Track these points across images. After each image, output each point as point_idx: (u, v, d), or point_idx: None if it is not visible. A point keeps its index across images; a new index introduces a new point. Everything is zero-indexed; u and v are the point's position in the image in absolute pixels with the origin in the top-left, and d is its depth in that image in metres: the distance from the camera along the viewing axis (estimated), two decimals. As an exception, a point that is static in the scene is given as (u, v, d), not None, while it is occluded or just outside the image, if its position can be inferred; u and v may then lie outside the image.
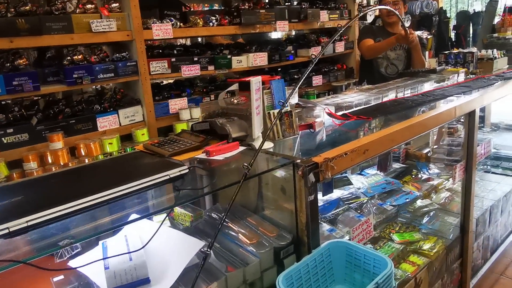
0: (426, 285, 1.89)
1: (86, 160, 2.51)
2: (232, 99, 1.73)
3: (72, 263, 1.24)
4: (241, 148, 1.45)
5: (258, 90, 1.52)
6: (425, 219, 2.22)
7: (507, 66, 3.26)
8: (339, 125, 1.80)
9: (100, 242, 1.32)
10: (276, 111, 1.61)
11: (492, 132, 3.56)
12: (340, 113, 1.95)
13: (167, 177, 1.09)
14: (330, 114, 1.91)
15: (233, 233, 1.36)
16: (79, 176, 1.21)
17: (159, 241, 1.22)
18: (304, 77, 1.53)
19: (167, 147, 1.42)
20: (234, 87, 1.78)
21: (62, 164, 2.44)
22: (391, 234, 2.12)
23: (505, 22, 3.85)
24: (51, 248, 0.92)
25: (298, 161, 1.26)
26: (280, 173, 1.35)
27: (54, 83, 2.63)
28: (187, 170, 1.14)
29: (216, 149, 1.37)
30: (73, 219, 0.98)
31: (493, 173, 3.09)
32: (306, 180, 1.23)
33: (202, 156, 1.38)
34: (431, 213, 2.26)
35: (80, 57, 2.64)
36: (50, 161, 2.45)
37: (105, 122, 2.81)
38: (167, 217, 1.52)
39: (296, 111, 1.78)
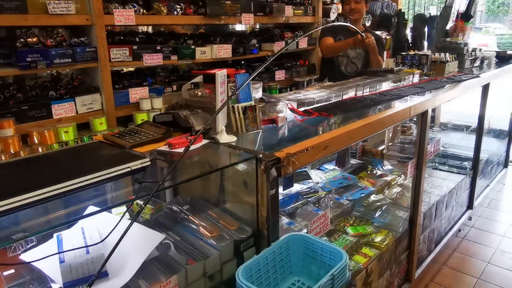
0: (376, 275, 1.99)
1: (40, 149, 2.41)
2: (196, 91, 1.72)
3: (25, 257, 1.20)
4: (204, 141, 1.45)
5: (223, 83, 1.52)
6: (378, 213, 2.32)
7: (458, 69, 3.44)
8: (301, 121, 1.84)
9: (55, 235, 1.28)
10: (240, 105, 1.62)
11: (441, 132, 3.76)
12: (302, 109, 1.99)
13: (128, 169, 1.08)
14: (292, 110, 1.95)
15: (194, 226, 1.37)
16: (35, 166, 1.16)
17: (118, 234, 1.20)
18: (259, 71, 1.52)
19: (128, 138, 1.39)
20: (199, 79, 1.77)
21: (12, 152, 2.32)
22: (346, 227, 2.20)
23: (457, 28, 4.04)
24: (2, 242, 0.89)
25: (261, 155, 1.28)
26: (242, 167, 1.36)
27: (5, 66, 2.48)
28: (149, 163, 1.13)
29: (179, 141, 1.36)
30: (28, 211, 0.94)
31: (440, 170, 3.27)
32: (268, 175, 1.25)
33: (164, 148, 1.37)
34: (383, 208, 2.36)
35: (34, 39, 2.51)
36: (-1, 148, 2.33)
37: (60, 110, 2.70)
38: (127, 210, 1.49)
39: (260, 105, 1.80)
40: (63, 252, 1.09)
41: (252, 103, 1.64)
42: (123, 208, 1.45)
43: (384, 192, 2.48)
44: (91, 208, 1.08)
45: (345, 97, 2.27)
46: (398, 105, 2.03)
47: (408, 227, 2.31)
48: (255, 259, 1.20)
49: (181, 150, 1.36)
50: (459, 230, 3.16)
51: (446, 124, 3.91)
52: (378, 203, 2.39)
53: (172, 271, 1.16)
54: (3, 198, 0.88)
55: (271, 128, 1.74)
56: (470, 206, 3.30)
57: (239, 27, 4.79)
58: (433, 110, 3.70)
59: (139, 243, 1.19)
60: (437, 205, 2.64)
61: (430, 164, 3.34)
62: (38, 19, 2.45)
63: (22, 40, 2.45)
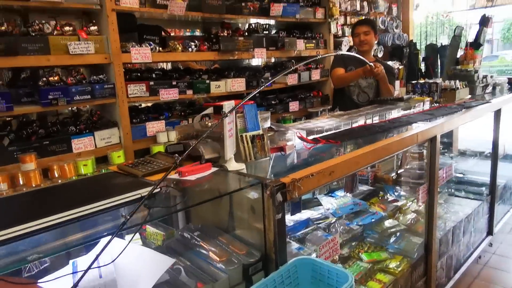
0: (391, 302, 1.96)
1: (60, 182, 2.50)
2: (207, 122, 1.80)
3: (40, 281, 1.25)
4: (214, 169, 1.51)
5: (231, 113, 1.59)
6: (392, 239, 2.30)
7: (469, 96, 3.46)
8: (309, 148, 1.89)
9: (71, 261, 1.33)
10: (248, 133, 1.68)
11: (458, 158, 3.73)
12: (311, 137, 2.04)
13: (139, 195, 1.14)
14: (301, 138, 2.00)
15: (204, 251, 1.40)
16: (49, 195, 1.23)
17: (130, 259, 1.24)
18: (250, 96, 1.58)
19: (140, 168, 1.46)
20: (209, 110, 1.85)
21: (34, 185, 2.42)
22: (360, 254, 2.19)
23: (467, 56, 4.09)
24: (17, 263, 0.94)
25: (267, 181, 1.32)
26: (250, 192, 1.41)
27: (29, 104, 2.63)
28: (159, 189, 1.19)
29: (188, 169, 1.42)
30: (42, 237, 0.99)
31: (456, 196, 3.23)
32: (274, 200, 1.29)
33: (175, 176, 1.43)
34: (398, 234, 2.35)
35: (56, 78, 2.67)
36: (21, 182, 2.42)
37: (80, 144, 2.82)
38: (140, 236, 1.55)
39: (269, 134, 1.86)
40: (76, 272, 1.13)
41: (260, 132, 1.70)
42: (137, 235, 1.50)
43: (399, 218, 2.47)
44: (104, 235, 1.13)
45: (354, 125, 2.31)
46: (405, 131, 2.06)
47: (424, 253, 2.28)
48: (262, 282, 1.22)
49: (191, 178, 1.43)
50: (480, 257, 3.07)
51: (464, 151, 3.89)
52: (393, 229, 2.38)
53: (181, 294, 1.19)
54: (17, 224, 0.94)
55: (279, 156, 1.78)
56: (490, 232, 3.22)
57: (255, 62, 4.93)
58: (449, 136, 3.72)
59: (150, 267, 1.23)
60: (454, 231, 2.60)
61: (446, 190, 3.31)
62: (59, 59, 2.61)
63: (44, 79, 2.60)
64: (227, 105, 1.55)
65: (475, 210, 2.92)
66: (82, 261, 1.31)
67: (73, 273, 1.16)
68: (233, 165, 1.55)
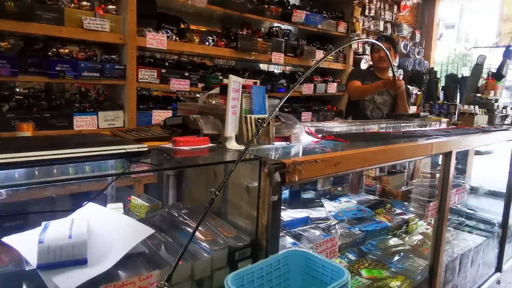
0: (388, 321, 1.80)
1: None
2: (211, 100, 1.70)
3: (7, 240, 1.14)
4: (211, 145, 1.40)
5: (237, 90, 1.49)
6: (396, 258, 2.15)
7: (488, 124, 3.31)
8: (316, 142, 1.77)
9: (44, 223, 1.22)
10: (253, 116, 1.57)
11: (470, 196, 3.56)
12: (320, 135, 1.92)
13: (123, 151, 1.03)
14: (309, 133, 1.88)
15: (189, 229, 1.28)
16: (31, 141, 1.13)
17: (105, 224, 1.13)
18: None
19: (133, 134, 1.36)
20: (216, 90, 1.75)
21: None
22: (360, 269, 2.04)
23: (488, 85, 3.97)
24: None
25: (266, 159, 1.21)
26: (246, 173, 1.29)
27: (35, 74, 2.56)
28: (146, 148, 1.08)
29: (183, 139, 1.32)
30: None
31: (467, 232, 3.03)
32: (271, 179, 1.17)
33: (169, 145, 1.32)
34: (402, 253, 2.19)
35: (66, 50, 2.60)
36: (16, 150, 2.34)
37: (82, 122, 2.73)
38: (123, 207, 1.43)
39: (276, 124, 1.74)
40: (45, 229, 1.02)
41: (266, 116, 1.59)
42: (120, 204, 1.39)
43: (404, 238, 2.32)
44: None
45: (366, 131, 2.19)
46: (420, 140, 1.93)
47: (428, 276, 2.12)
48: (248, 268, 1.09)
49: (185, 148, 1.31)
50: (486, 293, 2.88)
51: (476, 188, 3.71)
52: (397, 248, 2.23)
53: (156, 267, 1.06)
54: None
55: (283, 146, 1.67)
56: (498, 268, 3.03)
57: (271, 69, 4.85)
58: (462, 163, 3.55)
59: (126, 234, 1.11)
60: (461, 259, 2.43)
61: (456, 223, 3.12)
62: (72, 32, 2.55)
63: (54, 50, 2.53)
64: (234, 79, 1.45)
65: (485, 242, 2.74)
66: (55, 223, 1.20)
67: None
68: (232, 145, 1.44)
